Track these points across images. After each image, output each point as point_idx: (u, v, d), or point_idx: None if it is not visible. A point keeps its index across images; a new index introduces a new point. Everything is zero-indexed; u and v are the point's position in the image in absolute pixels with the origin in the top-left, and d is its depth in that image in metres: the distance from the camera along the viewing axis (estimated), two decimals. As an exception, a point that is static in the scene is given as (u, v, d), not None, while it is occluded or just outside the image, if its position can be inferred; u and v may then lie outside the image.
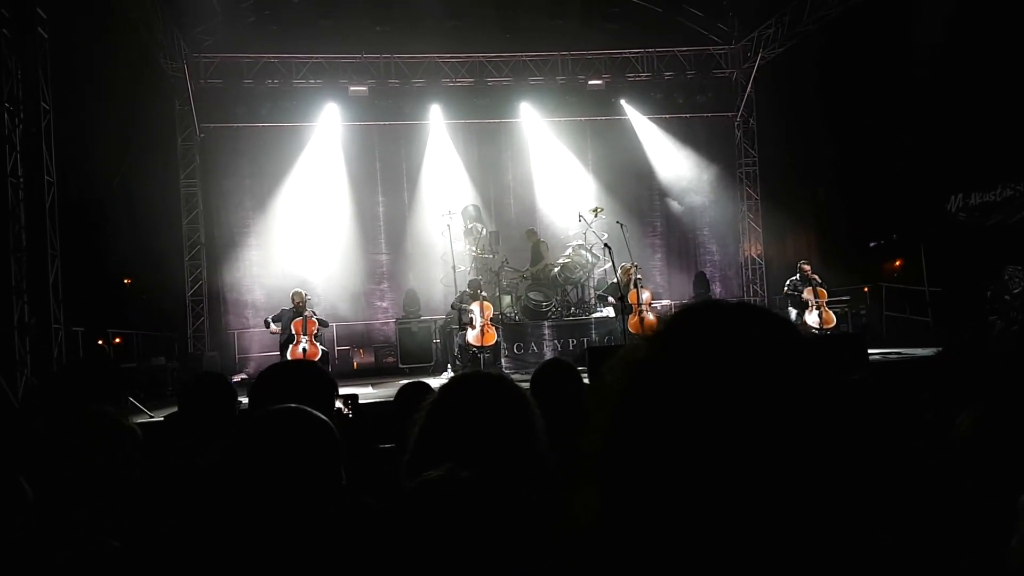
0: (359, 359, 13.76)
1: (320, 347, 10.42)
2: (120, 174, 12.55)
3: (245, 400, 2.52)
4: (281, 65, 13.98)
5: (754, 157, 15.91)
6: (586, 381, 3.51)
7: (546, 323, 11.44)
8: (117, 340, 12.22)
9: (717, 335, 0.72)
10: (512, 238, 13.61)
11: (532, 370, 3.40)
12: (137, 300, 14.04)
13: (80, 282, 10.44)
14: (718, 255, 15.99)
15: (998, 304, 10.22)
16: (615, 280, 10.98)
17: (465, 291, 10.91)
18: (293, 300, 10.50)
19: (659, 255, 15.57)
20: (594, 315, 11.70)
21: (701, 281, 14.67)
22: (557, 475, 1.42)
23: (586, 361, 7.19)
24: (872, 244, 16.18)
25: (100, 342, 11.60)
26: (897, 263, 16.33)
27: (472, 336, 10.50)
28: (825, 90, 13.76)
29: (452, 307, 11.10)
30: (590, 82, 14.93)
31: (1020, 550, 1.29)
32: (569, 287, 12.10)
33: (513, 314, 11.65)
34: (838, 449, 0.68)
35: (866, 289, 13.68)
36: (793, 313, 11.16)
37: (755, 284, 15.88)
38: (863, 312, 12.65)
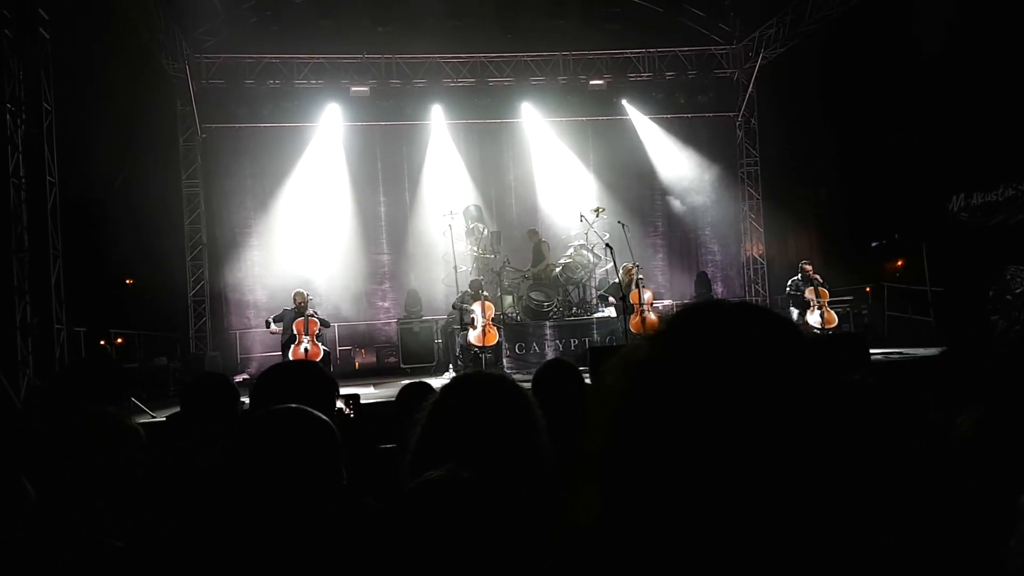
0: (361, 359, 13.75)
1: (322, 347, 10.43)
2: (122, 174, 12.55)
3: (247, 400, 2.52)
4: (282, 65, 13.98)
5: (755, 157, 15.90)
6: (587, 381, 3.52)
7: (548, 323, 11.45)
8: (119, 340, 12.22)
9: (718, 335, 0.72)
10: (513, 238, 13.62)
11: (534, 370, 3.41)
12: (139, 300, 14.01)
13: (82, 282, 10.43)
14: (720, 255, 15.98)
15: (1000, 304, 10.21)
16: (617, 280, 10.99)
17: (467, 291, 10.90)
18: (295, 300, 10.51)
19: (661, 255, 15.55)
20: (596, 315, 11.70)
21: (703, 281, 14.67)
22: (558, 475, 1.42)
23: (587, 361, 7.16)
24: (874, 244, 16.13)
25: (102, 342, 11.59)
26: (899, 263, 16.28)
27: (474, 336, 10.50)
28: (826, 90, 13.73)
29: (454, 307, 11.09)
30: (591, 82, 14.92)
31: (1020, 550, 1.29)
32: (571, 287, 12.09)
33: (515, 314, 11.65)
34: (839, 449, 0.68)
35: (868, 289, 13.67)
36: (795, 313, 11.15)
37: (757, 284, 15.88)
38: (865, 312, 12.64)
